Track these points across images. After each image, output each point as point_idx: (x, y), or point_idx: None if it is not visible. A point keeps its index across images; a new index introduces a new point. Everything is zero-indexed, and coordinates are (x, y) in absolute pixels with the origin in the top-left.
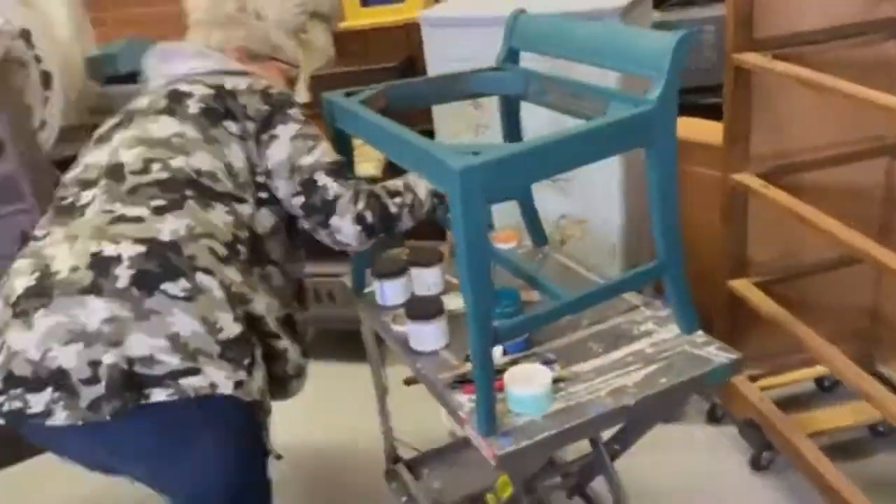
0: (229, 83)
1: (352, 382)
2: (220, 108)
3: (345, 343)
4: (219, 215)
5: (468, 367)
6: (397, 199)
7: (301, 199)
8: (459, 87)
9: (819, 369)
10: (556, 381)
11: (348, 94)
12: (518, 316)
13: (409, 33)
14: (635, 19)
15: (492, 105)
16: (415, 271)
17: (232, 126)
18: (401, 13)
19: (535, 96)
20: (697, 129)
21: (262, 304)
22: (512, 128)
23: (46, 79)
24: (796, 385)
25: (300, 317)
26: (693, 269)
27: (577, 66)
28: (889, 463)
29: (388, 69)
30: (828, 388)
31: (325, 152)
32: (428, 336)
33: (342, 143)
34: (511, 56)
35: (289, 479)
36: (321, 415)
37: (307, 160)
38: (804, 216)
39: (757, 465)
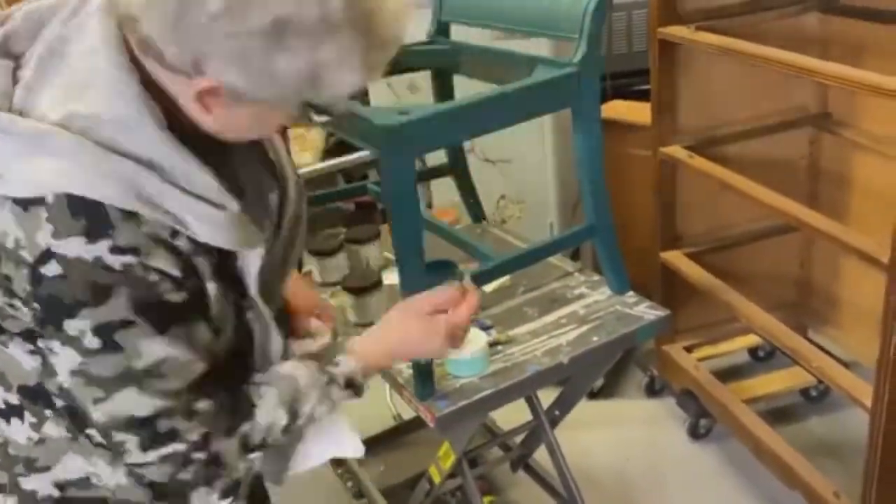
0: (1, 227)
1: None
2: None
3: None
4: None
5: None
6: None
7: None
8: (391, 62)
9: (753, 339)
10: (492, 344)
11: None
12: None
13: None
14: None
15: (428, 88)
16: (352, 248)
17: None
18: None
19: (465, 68)
20: (629, 111)
21: None
22: (445, 101)
23: None
24: (731, 356)
25: None
26: (630, 246)
27: (510, 41)
28: (821, 425)
29: None
30: (762, 359)
31: (128, 405)
32: (367, 308)
33: None
34: (441, 29)
35: None
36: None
37: (94, 414)
38: (731, 184)
39: (695, 433)
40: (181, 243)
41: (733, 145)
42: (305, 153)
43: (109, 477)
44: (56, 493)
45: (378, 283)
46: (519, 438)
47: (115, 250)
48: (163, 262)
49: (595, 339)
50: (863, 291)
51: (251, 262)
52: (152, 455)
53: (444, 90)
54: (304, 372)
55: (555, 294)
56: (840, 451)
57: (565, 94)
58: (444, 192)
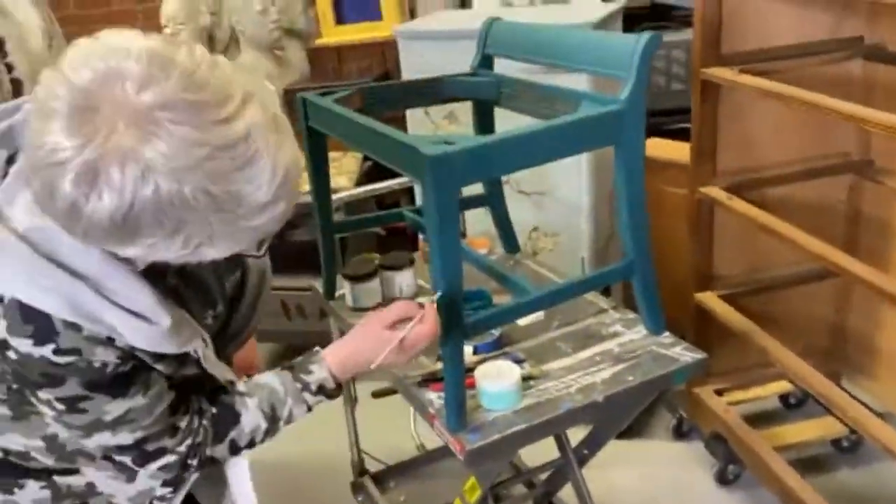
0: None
1: None
2: None
3: None
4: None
5: (439, 366)
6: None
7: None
8: (434, 91)
9: (785, 385)
10: (526, 378)
11: (324, 94)
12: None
13: (385, 50)
14: None
15: (467, 118)
16: (386, 274)
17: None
18: (376, 30)
19: (507, 101)
20: (668, 149)
21: None
22: (485, 133)
23: (17, 87)
24: (762, 402)
25: None
26: (664, 284)
27: (551, 74)
28: (853, 477)
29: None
30: (793, 406)
31: (108, 442)
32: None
33: (316, 145)
34: (485, 62)
35: (255, 490)
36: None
37: (87, 445)
38: (769, 227)
39: (723, 478)
40: (120, 343)
41: (772, 188)
42: (341, 177)
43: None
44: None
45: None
46: (544, 475)
47: (59, 352)
48: (104, 355)
49: (630, 378)
50: None
51: (195, 347)
52: (151, 468)
53: (484, 122)
54: (281, 381)
55: (589, 330)
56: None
57: (611, 130)
58: (477, 222)
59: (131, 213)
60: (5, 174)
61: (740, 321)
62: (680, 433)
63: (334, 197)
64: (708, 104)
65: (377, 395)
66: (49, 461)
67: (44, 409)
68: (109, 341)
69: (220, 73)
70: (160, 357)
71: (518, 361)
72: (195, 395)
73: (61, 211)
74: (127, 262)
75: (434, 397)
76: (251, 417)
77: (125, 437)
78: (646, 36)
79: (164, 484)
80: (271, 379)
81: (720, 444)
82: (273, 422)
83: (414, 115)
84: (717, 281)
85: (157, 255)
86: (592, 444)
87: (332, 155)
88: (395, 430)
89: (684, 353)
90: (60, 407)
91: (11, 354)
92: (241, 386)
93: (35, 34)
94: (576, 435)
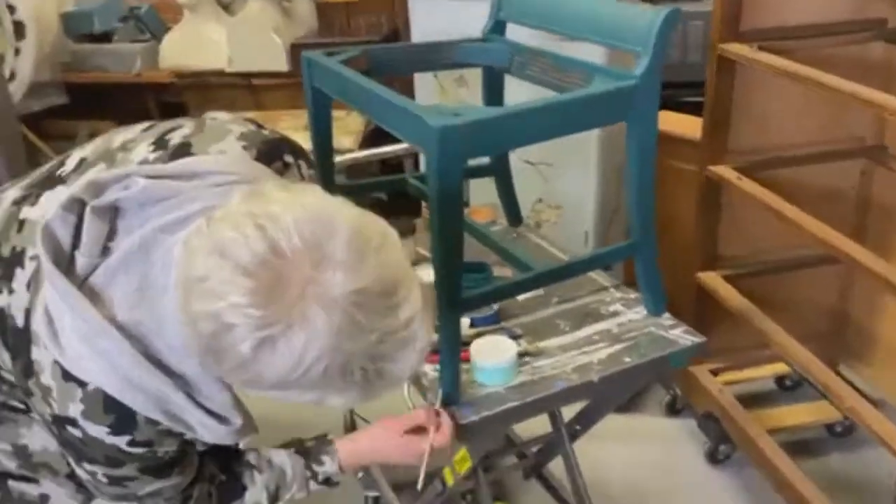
0: (40, 358)
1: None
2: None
3: None
4: None
5: (435, 337)
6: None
7: None
8: (443, 56)
9: (780, 367)
10: (521, 355)
11: (329, 55)
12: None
13: (395, 6)
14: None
15: (477, 84)
16: None
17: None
18: None
19: (518, 69)
20: (679, 124)
21: None
22: (494, 102)
23: (19, 29)
24: (757, 383)
25: None
26: (666, 261)
27: (564, 43)
28: (844, 462)
29: (371, 43)
30: (788, 388)
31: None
32: None
33: (319, 105)
34: (497, 28)
35: None
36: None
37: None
38: (777, 209)
39: (713, 457)
40: (188, 436)
41: (783, 170)
42: (345, 137)
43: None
44: None
45: None
46: (535, 447)
47: (133, 444)
48: (170, 445)
49: (627, 359)
50: None
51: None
52: None
53: (494, 90)
54: (291, 465)
55: (588, 308)
56: (860, 491)
57: (624, 106)
58: (480, 191)
59: (293, 380)
60: (104, 250)
61: (741, 303)
62: (673, 410)
63: (336, 159)
64: (723, 81)
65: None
66: (10, 465)
67: (80, 472)
68: (179, 434)
69: (391, 255)
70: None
71: (514, 337)
72: (209, 458)
73: (228, 364)
74: None
75: (429, 369)
76: (255, 494)
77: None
78: (665, 11)
79: None
80: (283, 461)
81: (713, 423)
82: (272, 501)
83: (423, 77)
84: (721, 261)
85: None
86: (585, 421)
87: (335, 114)
88: (390, 399)
89: (683, 336)
90: (104, 480)
91: (75, 432)
92: (252, 457)
93: None
94: (569, 409)
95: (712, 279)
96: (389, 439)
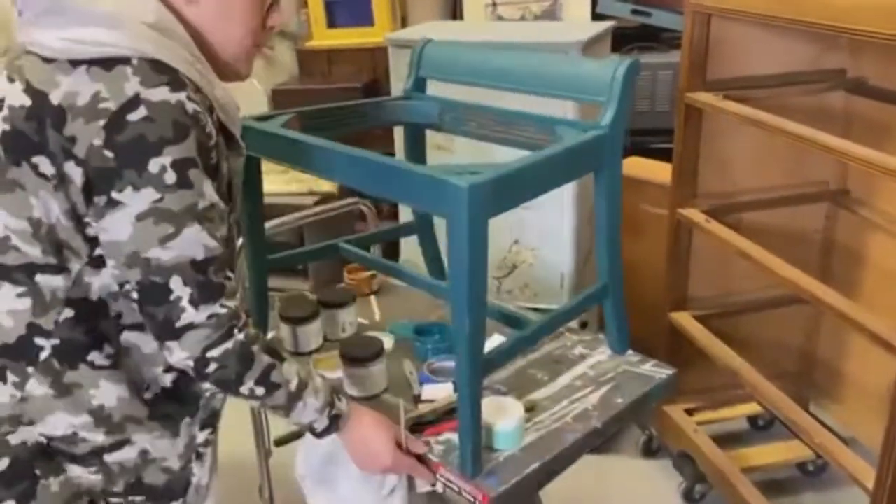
0: (73, 88)
1: None
2: (32, 135)
3: None
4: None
5: (421, 409)
6: (276, 377)
7: (136, 298)
8: (370, 115)
9: (753, 407)
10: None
11: (259, 119)
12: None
13: (375, 56)
14: (594, 55)
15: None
16: (328, 312)
17: (44, 164)
18: (367, 36)
19: (452, 125)
20: (649, 169)
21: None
22: (415, 159)
23: None
24: (730, 423)
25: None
26: (637, 304)
27: (491, 97)
28: (817, 501)
29: (351, 89)
30: (761, 427)
31: (192, 243)
32: (370, 379)
33: (251, 174)
34: (417, 85)
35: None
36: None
37: (161, 256)
38: (745, 251)
39: (690, 497)
40: (213, 118)
41: (750, 213)
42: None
43: (110, 394)
44: (44, 441)
45: (380, 353)
46: None
47: (191, 100)
48: (209, 123)
49: (620, 400)
50: (867, 368)
51: (236, 167)
52: (203, 312)
53: (415, 146)
54: (321, 381)
55: (554, 355)
56: None
57: (595, 156)
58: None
59: None
60: None
61: (712, 342)
62: (649, 450)
63: (268, 225)
64: (691, 128)
65: (279, 442)
66: (99, 438)
67: (141, 195)
68: (211, 111)
69: None
70: (223, 167)
71: (501, 394)
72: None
73: None
74: None
75: (431, 441)
76: (290, 368)
77: (204, 246)
78: (628, 61)
79: (209, 346)
80: (314, 373)
81: (688, 462)
82: (299, 391)
83: None
84: (692, 302)
85: None
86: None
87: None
88: None
89: (656, 371)
90: (171, 179)
91: (138, 114)
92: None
93: None
94: None
95: (683, 319)
96: (380, 433)
